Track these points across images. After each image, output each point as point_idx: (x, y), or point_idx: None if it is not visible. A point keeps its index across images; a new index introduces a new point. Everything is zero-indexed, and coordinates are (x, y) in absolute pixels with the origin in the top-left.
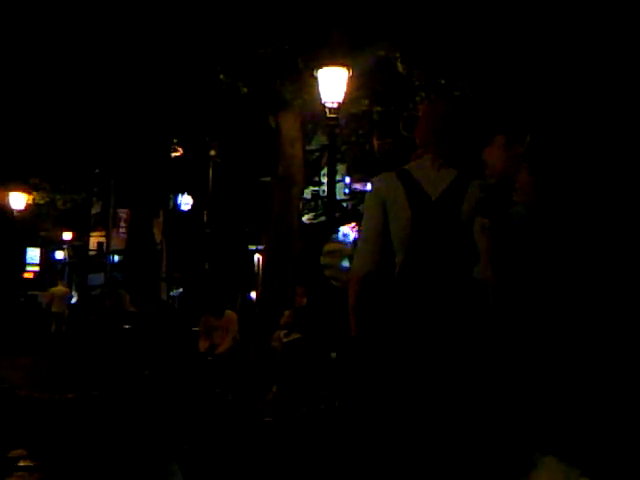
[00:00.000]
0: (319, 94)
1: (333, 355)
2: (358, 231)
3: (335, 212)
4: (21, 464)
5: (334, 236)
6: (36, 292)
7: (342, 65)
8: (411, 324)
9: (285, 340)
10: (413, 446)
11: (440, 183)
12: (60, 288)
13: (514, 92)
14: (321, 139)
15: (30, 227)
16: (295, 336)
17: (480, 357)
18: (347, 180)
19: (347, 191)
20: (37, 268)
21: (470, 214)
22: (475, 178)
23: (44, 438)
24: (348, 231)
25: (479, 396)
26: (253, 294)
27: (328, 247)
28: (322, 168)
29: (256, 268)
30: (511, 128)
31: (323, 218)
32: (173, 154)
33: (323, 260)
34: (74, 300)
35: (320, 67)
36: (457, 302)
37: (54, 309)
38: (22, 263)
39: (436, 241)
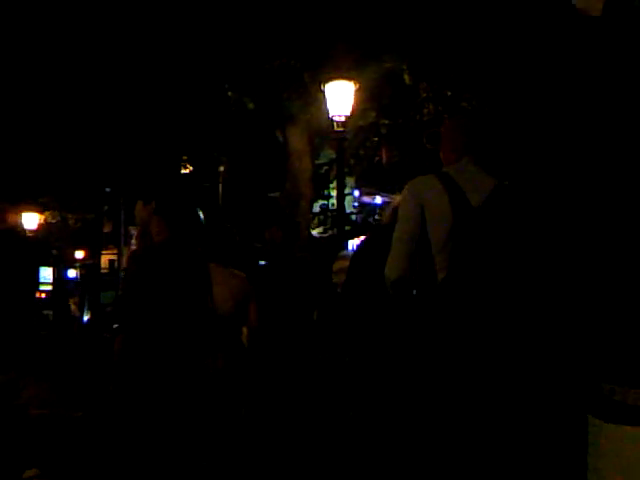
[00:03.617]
0: (326, 108)
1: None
2: (362, 240)
3: (344, 225)
4: None
5: (343, 252)
6: (49, 311)
7: (348, 78)
8: (458, 335)
9: None
10: (461, 453)
11: (482, 188)
12: (70, 307)
13: (520, 103)
14: (329, 153)
15: (43, 246)
16: None
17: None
18: (356, 193)
19: (356, 204)
20: (50, 287)
21: (513, 222)
22: (514, 187)
23: (56, 456)
24: (357, 244)
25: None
26: None
27: (337, 265)
28: (331, 182)
29: None
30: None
31: (332, 232)
32: (182, 171)
33: (335, 279)
34: (86, 318)
35: (327, 81)
36: (502, 317)
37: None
38: (36, 283)
39: (479, 252)
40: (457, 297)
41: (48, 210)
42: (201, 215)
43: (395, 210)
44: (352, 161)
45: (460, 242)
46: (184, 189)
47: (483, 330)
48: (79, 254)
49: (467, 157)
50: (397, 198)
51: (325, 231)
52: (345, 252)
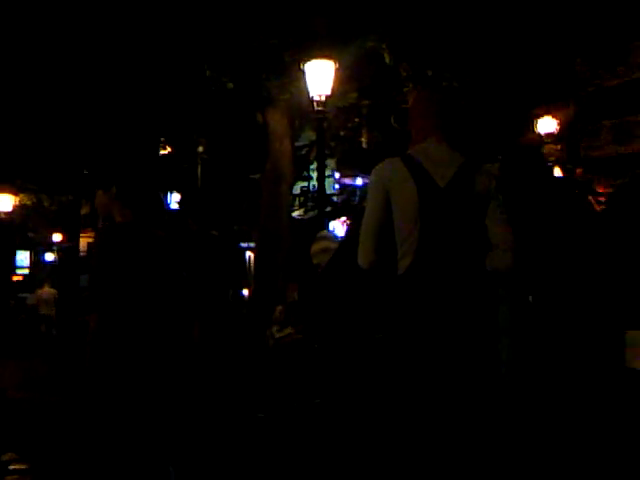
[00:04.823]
0: (306, 88)
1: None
2: (348, 225)
3: (325, 207)
4: (12, 467)
5: (322, 233)
6: (25, 294)
7: (328, 57)
8: (425, 320)
9: (278, 336)
10: (422, 442)
11: (448, 169)
12: (47, 290)
13: (500, 83)
14: (310, 135)
15: (19, 229)
16: (287, 331)
17: (488, 351)
18: (337, 175)
19: (337, 186)
20: (27, 271)
21: (481, 201)
22: (483, 163)
23: (34, 440)
24: (338, 226)
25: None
26: (245, 292)
27: (316, 246)
28: (311, 163)
29: (247, 265)
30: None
31: (313, 213)
32: (161, 152)
33: (315, 260)
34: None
35: (306, 60)
36: (472, 297)
37: (42, 311)
38: (12, 266)
39: (447, 232)
40: (426, 280)
41: (23, 192)
42: (163, 197)
43: None
44: (333, 143)
45: (427, 224)
46: (144, 172)
47: (456, 310)
48: (57, 237)
49: (434, 136)
50: None
51: (306, 213)
52: (323, 233)
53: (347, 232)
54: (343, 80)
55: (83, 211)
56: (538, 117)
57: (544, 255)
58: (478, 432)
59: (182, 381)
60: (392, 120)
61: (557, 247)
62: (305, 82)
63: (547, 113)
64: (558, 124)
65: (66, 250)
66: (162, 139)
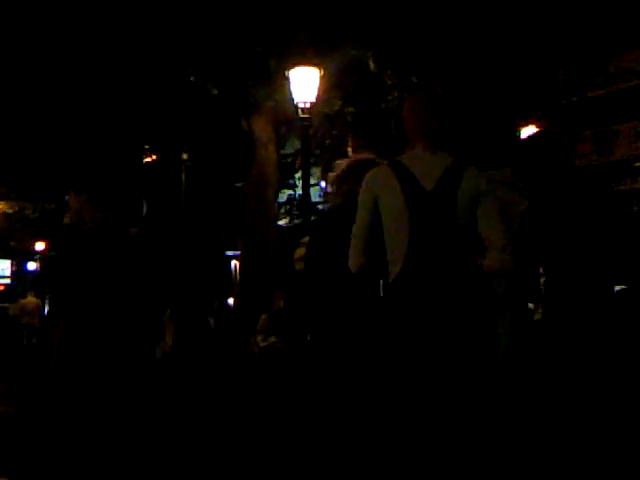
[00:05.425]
0: (291, 95)
1: None
2: (312, 229)
3: (310, 215)
4: None
5: (306, 238)
6: (6, 304)
7: (313, 65)
8: (418, 325)
9: (262, 345)
10: (415, 447)
11: (434, 172)
12: (30, 300)
13: (484, 92)
14: (295, 143)
15: (0, 238)
16: (272, 340)
17: (484, 354)
18: (322, 183)
19: (322, 194)
20: (8, 280)
21: (470, 202)
22: (470, 165)
23: (11, 454)
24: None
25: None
26: (231, 300)
27: (299, 252)
28: (297, 171)
29: (233, 274)
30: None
31: (298, 221)
32: (145, 159)
33: (298, 266)
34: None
35: (291, 67)
36: (465, 300)
37: (24, 321)
38: None
39: (437, 235)
40: (418, 285)
41: (5, 200)
42: (143, 201)
43: (337, 194)
44: (318, 151)
45: (416, 229)
46: (118, 175)
47: (450, 314)
48: (39, 246)
49: (422, 141)
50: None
51: (291, 221)
52: (306, 239)
53: (312, 236)
54: (328, 87)
55: (66, 220)
56: (522, 126)
57: (575, 249)
58: (477, 434)
59: (149, 390)
60: (392, 128)
61: (594, 240)
62: (290, 89)
63: (531, 123)
64: None
65: (48, 259)
66: (146, 147)
